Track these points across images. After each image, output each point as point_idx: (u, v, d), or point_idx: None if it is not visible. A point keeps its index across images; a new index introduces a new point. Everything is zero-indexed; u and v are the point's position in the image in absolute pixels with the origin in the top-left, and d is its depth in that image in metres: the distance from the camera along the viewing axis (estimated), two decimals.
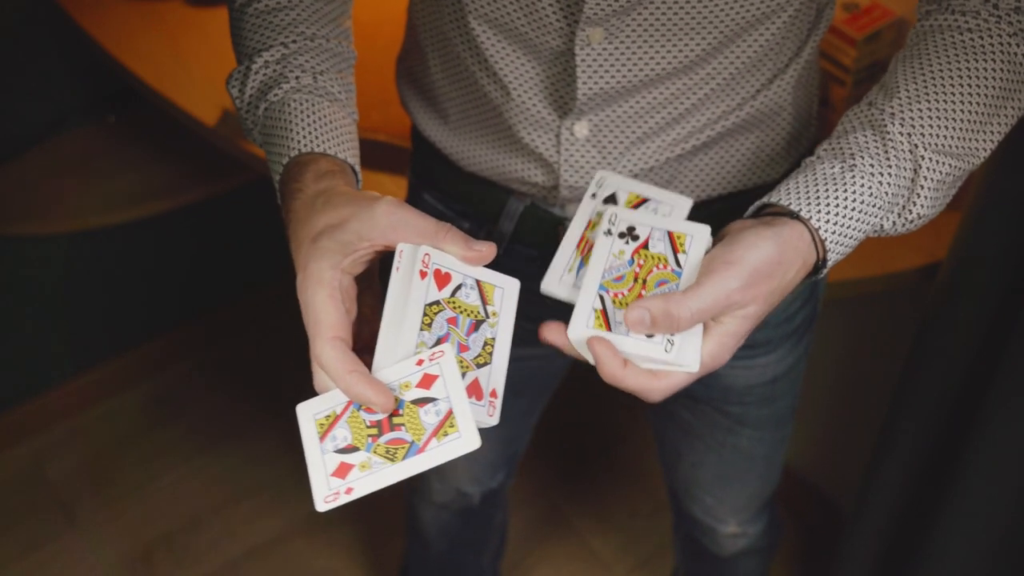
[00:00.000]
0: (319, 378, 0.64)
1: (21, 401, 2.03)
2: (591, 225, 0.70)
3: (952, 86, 0.70)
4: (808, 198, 0.66)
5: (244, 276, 2.22)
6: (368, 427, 0.61)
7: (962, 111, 0.70)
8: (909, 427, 1.22)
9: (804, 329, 1.05)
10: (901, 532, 1.32)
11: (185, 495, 1.96)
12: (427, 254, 0.63)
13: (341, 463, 0.61)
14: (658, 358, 0.62)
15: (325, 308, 0.62)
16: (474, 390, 0.62)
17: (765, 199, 0.68)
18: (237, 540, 1.89)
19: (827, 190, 0.66)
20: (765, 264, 0.63)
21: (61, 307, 2.00)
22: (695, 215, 0.91)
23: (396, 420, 0.61)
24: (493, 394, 0.63)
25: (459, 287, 0.64)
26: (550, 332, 0.64)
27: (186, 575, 1.84)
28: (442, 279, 0.64)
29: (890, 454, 1.27)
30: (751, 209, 0.69)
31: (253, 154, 1.40)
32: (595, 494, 1.94)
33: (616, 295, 0.64)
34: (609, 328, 0.63)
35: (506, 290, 0.66)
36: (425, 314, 0.62)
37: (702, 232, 0.67)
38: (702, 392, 1.06)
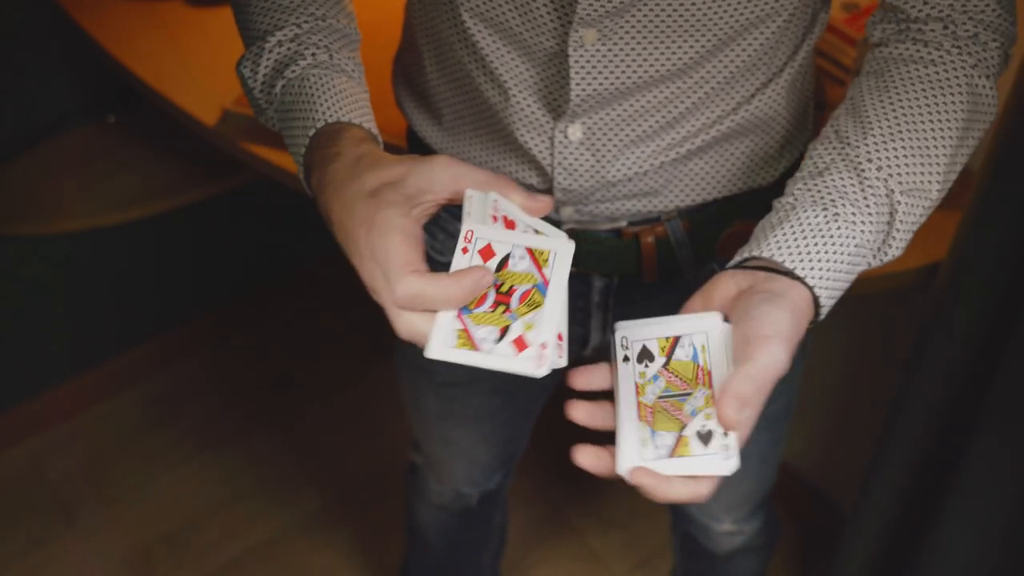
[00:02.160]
0: (403, 323, 0.63)
1: (21, 401, 2.03)
2: (640, 389, 0.64)
3: (925, 123, 0.70)
4: (800, 254, 0.66)
5: (244, 276, 2.22)
6: (494, 311, 0.62)
7: (935, 148, 0.70)
8: (909, 427, 1.22)
9: None
10: (901, 532, 1.32)
11: (185, 495, 1.96)
12: (496, 200, 0.64)
13: (513, 342, 0.61)
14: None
15: (400, 249, 0.61)
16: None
17: (754, 251, 0.67)
18: (237, 540, 1.89)
19: (815, 244, 0.66)
20: (794, 330, 0.62)
21: (61, 307, 2.00)
22: (689, 217, 0.92)
23: (502, 289, 0.62)
24: (560, 338, 0.63)
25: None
26: (585, 457, 0.62)
27: (186, 575, 1.84)
28: (509, 225, 0.65)
29: (890, 454, 1.27)
30: (736, 260, 0.68)
31: (253, 154, 1.40)
32: (595, 494, 1.94)
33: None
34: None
35: (559, 253, 0.65)
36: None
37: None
38: None
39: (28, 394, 2.03)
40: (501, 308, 0.63)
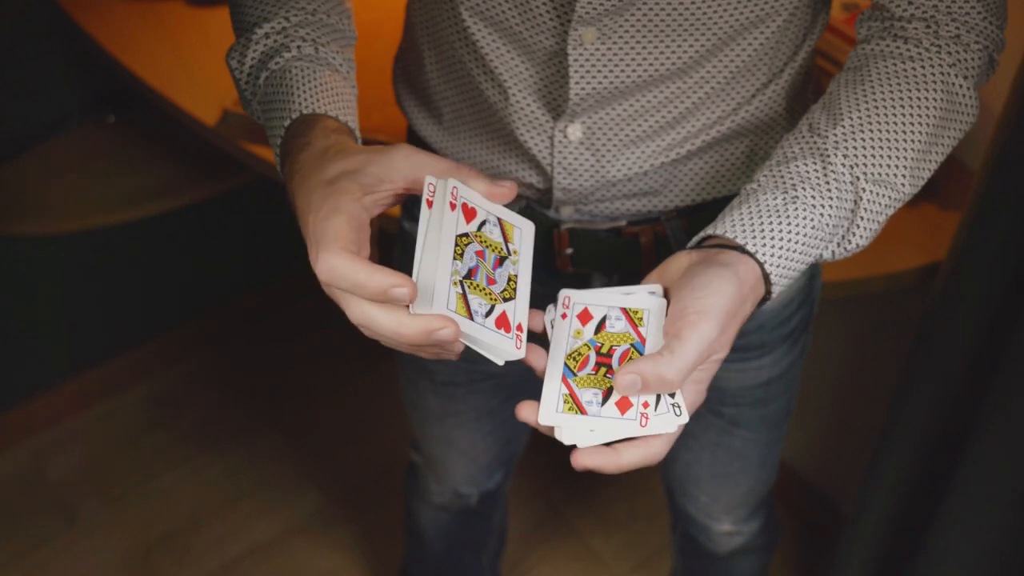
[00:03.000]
0: (354, 308, 0.61)
1: (21, 401, 2.03)
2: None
3: (895, 116, 0.71)
4: (753, 231, 0.66)
5: (244, 276, 2.22)
6: (596, 374, 0.63)
7: (904, 141, 0.70)
8: (909, 427, 1.22)
9: (800, 332, 1.04)
10: (901, 532, 1.32)
11: (185, 495, 1.96)
12: (455, 187, 0.64)
13: (497, 319, 0.62)
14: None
15: (339, 228, 0.60)
16: (502, 323, 0.63)
17: (709, 230, 0.68)
18: (237, 540, 1.89)
19: (771, 223, 0.66)
20: (732, 306, 0.63)
21: (61, 307, 2.00)
22: (689, 217, 0.92)
23: (602, 351, 0.64)
24: (519, 328, 0.63)
25: (484, 223, 0.65)
26: (525, 411, 0.64)
27: (186, 575, 1.84)
28: (469, 213, 0.64)
29: (890, 454, 1.27)
30: (694, 240, 0.69)
31: (253, 154, 1.40)
32: (595, 494, 1.94)
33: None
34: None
35: (523, 231, 0.67)
36: (456, 244, 0.63)
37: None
38: None
39: (28, 394, 2.03)
40: (603, 370, 0.64)
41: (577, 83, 0.80)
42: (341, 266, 0.59)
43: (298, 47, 0.76)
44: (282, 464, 2.00)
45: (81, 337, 2.06)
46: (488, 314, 0.62)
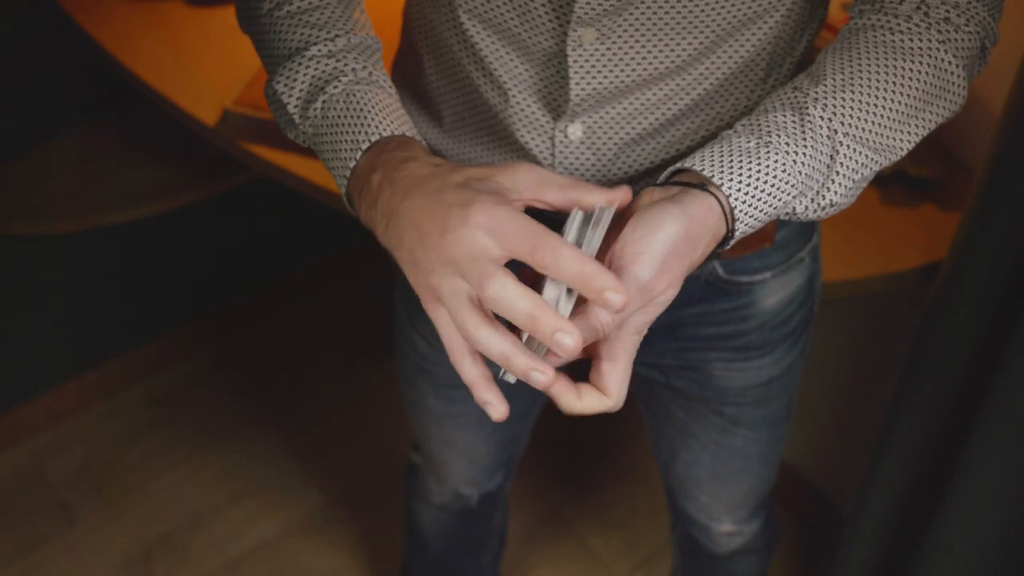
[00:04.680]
0: (497, 280, 0.58)
1: (21, 401, 2.03)
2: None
3: (878, 81, 0.71)
4: (722, 168, 0.66)
5: (244, 276, 2.22)
6: None
7: (885, 107, 0.71)
8: (909, 427, 1.22)
9: (800, 331, 1.04)
10: (901, 532, 1.32)
11: (185, 495, 1.96)
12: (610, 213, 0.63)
13: None
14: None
15: (514, 214, 0.59)
16: None
17: (678, 164, 0.68)
18: (237, 540, 1.89)
19: (740, 162, 0.66)
20: (673, 246, 0.62)
21: (61, 307, 2.00)
22: None
23: None
24: None
25: None
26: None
27: (186, 575, 1.84)
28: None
29: (890, 454, 1.27)
30: (664, 175, 0.69)
31: (253, 154, 1.40)
32: (595, 494, 1.94)
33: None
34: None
35: None
36: None
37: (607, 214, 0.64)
38: (697, 392, 1.06)
39: (28, 394, 2.03)
40: None
41: (577, 84, 0.80)
42: (556, 240, 0.57)
43: (353, 70, 0.77)
44: (282, 464, 2.00)
45: (81, 337, 2.06)
46: None
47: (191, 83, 1.50)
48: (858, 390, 1.66)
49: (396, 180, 0.67)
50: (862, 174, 0.71)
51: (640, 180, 0.87)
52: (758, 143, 0.67)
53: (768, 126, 0.68)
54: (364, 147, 0.72)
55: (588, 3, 0.75)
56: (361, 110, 0.74)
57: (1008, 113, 0.98)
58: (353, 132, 0.73)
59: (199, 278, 2.16)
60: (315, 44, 0.78)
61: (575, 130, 0.83)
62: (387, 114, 0.74)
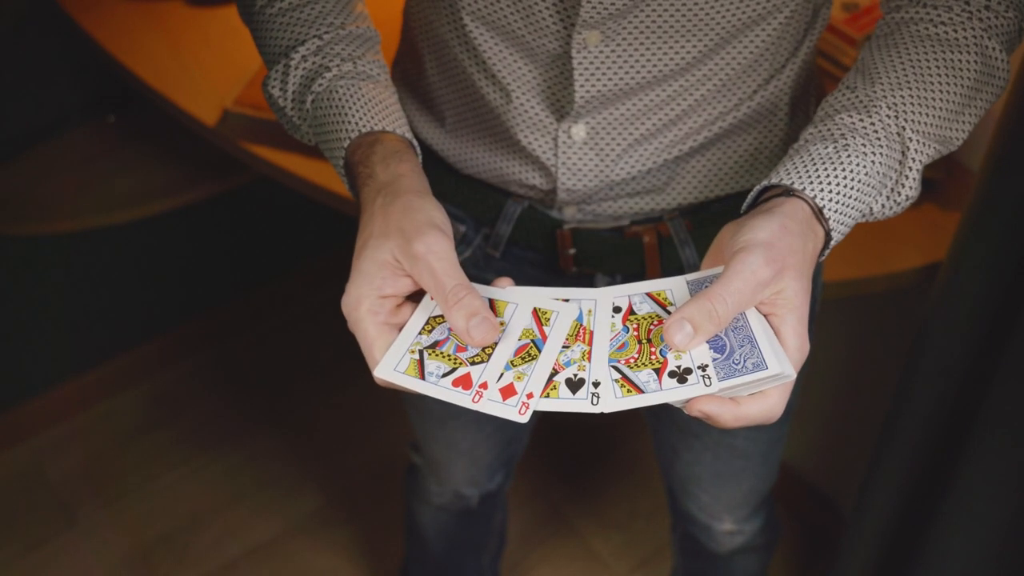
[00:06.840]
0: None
1: (21, 401, 2.03)
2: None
3: (931, 75, 0.71)
4: (808, 176, 0.66)
5: (244, 276, 2.22)
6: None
7: (942, 99, 0.71)
8: (909, 427, 1.22)
9: None
10: (901, 532, 1.32)
11: (185, 495, 1.96)
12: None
13: (455, 380, 0.64)
14: (704, 391, 0.61)
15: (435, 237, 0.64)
16: (461, 382, 0.63)
17: (763, 184, 0.67)
18: (237, 540, 1.89)
19: (824, 169, 0.66)
20: (774, 236, 0.61)
21: (61, 307, 2.00)
22: (692, 216, 0.92)
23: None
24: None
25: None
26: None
27: (186, 575, 1.84)
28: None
29: (890, 454, 1.27)
30: (749, 198, 0.69)
31: (253, 154, 1.40)
32: (595, 494, 1.94)
33: (628, 360, 0.64)
34: (640, 391, 0.63)
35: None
36: (428, 323, 0.65)
37: (678, 282, 0.66)
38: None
39: (28, 394, 2.03)
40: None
41: (582, 86, 0.80)
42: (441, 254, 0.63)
43: (337, 66, 0.77)
44: (282, 464, 2.00)
45: (81, 337, 2.06)
46: (446, 375, 0.63)
47: (191, 83, 1.50)
48: (858, 390, 1.65)
49: (365, 203, 0.69)
50: (926, 164, 0.71)
51: (641, 179, 0.87)
52: (835, 147, 0.67)
53: (840, 129, 0.68)
54: (345, 145, 0.72)
55: (593, 6, 0.75)
56: (341, 107, 0.74)
57: (1008, 113, 0.98)
58: (336, 131, 0.74)
59: (199, 278, 2.16)
60: (304, 42, 0.78)
61: (579, 131, 0.84)
62: (364, 109, 0.73)
